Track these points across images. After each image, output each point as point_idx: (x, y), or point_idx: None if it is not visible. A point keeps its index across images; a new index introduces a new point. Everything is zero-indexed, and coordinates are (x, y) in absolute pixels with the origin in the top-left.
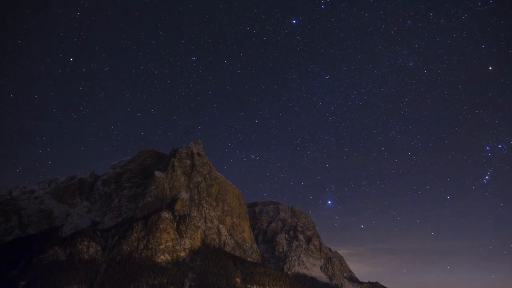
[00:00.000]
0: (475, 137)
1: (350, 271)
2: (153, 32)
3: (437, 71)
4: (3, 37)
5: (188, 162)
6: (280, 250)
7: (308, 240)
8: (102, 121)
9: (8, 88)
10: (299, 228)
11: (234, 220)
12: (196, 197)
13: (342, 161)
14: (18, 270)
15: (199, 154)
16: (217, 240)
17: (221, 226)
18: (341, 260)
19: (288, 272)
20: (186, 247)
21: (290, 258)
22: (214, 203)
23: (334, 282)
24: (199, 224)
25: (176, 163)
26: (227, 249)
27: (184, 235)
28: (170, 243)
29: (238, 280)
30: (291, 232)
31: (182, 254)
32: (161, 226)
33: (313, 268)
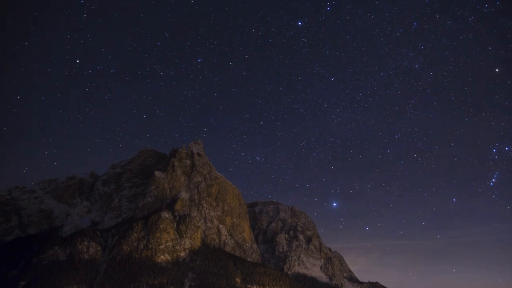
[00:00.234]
0: (481, 139)
1: (350, 271)
2: (159, 34)
3: (443, 73)
4: (11, 38)
5: (188, 162)
6: (280, 250)
7: (308, 240)
8: (107, 123)
9: (15, 89)
10: (299, 228)
11: (234, 220)
12: (196, 197)
13: (347, 163)
14: (18, 270)
15: (199, 154)
16: (217, 240)
17: (221, 226)
18: (341, 260)
19: (288, 272)
20: (186, 247)
21: (290, 258)
22: (214, 203)
23: (334, 282)
24: (199, 224)
25: (176, 163)
26: (227, 249)
27: (184, 235)
28: (170, 243)
29: (238, 280)
30: (291, 232)
31: (182, 254)
32: (161, 226)
33: (313, 268)
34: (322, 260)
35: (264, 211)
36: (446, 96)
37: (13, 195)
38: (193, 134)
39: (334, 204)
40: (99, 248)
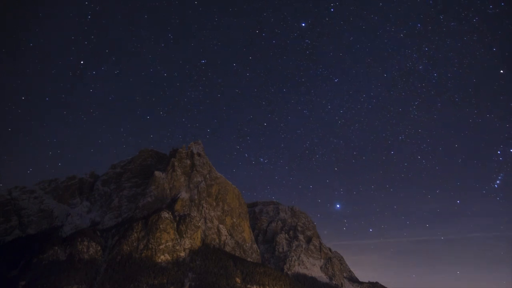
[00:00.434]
0: (486, 141)
1: (350, 271)
2: (162, 35)
3: (447, 74)
4: (16, 39)
5: (188, 162)
6: (280, 250)
7: (308, 240)
8: (111, 124)
9: (20, 90)
10: (299, 228)
11: (234, 220)
12: (196, 197)
13: (351, 165)
14: (18, 270)
15: (199, 154)
16: (217, 240)
17: (221, 226)
18: (341, 260)
19: (288, 272)
20: (186, 247)
21: (290, 258)
22: (214, 203)
23: (334, 282)
24: (199, 224)
25: (176, 163)
26: (227, 249)
27: (184, 235)
28: (170, 243)
29: (238, 280)
30: (291, 232)
31: (182, 254)
32: (161, 226)
33: (313, 268)
34: (322, 260)
35: (264, 211)
36: (450, 98)
37: (13, 195)
38: (196, 135)
39: (338, 206)
40: (99, 248)
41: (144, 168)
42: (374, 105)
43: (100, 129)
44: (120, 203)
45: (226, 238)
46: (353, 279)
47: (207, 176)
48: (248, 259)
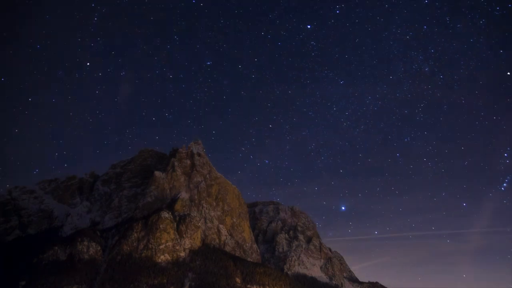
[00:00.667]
0: (492, 143)
1: (350, 271)
2: (168, 37)
3: (453, 76)
4: (22, 42)
5: (188, 162)
6: (280, 250)
7: (308, 240)
8: (117, 125)
9: (27, 92)
10: (299, 228)
11: (234, 220)
12: (196, 197)
13: (356, 167)
14: (18, 270)
15: (199, 154)
16: (217, 240)
17: (221, 226)
18: (341, 260)
19: (288, 272)
20: (186, 247)
21: (290, 258)
22: (214, 203)
23: (334, 282)
24: (199, 224)
25: (176, 163)
26: (227, 249)
27: (184, 235)
28: (170, 243)
29: (238, 280)
30: (291, 232)
31: (182, 254)
32: (161, 226)
33: (313, 268)
34: (322, 260)
35: (264, 211)
36: (456, 100)
37: (13, 195)
38: (202, 137)
39: (343, 208)
40: (99, 248)
41: (144, 168)
42: (379, 107)
43: (106, 131)
44: (120, 203)
45: (226, 238)
46: (353, 279)
47: (207, 176)
48: (248, 259)
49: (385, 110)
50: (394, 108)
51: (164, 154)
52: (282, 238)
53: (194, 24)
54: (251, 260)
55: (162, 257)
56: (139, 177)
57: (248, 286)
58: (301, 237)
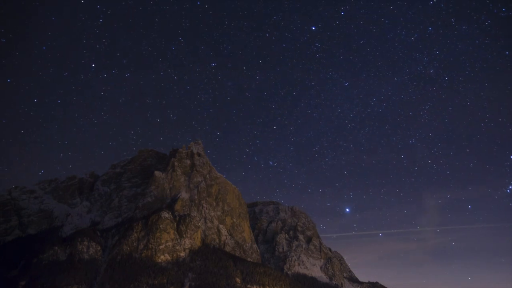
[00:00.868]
0: (498, 145)
1: (350, 271)
2: (173, 39)
3: (458, 78)
4: (28, 43)
5: (188, 162)
6: (280, 250)
7: (308, 240)
8: (122, 126)
9: (32, 93)
10: (299, 228)
11: (234, 220)
12: (196, 197)
13: (360, 169)
14: (18, 270)
15: (199, 154)
16: (217, 240)
17: (221, 226)
18: (341, 260)
19: (288, 272)
20: (186, 247)
21: (290, 258)
22: (214, 203)
23: (334, 282)
24: (199, 224)
25: (176, 163)
26: (227, 249)
27: (184, 235)
28: (170, 243)
29: (238, 280)
30: (291, 232)
31: (182, 254)
32: (161, 226)
33: (313, 268)
34: (322, 260)
35: (264, 211)
36: (461, 102)
37: (13, 195)
38: (206, 138)
39: (347, 210)
40: (99, 248)
41: (144, 168)
42: (384, 109)
43: (111, 132)
44: (120, 203)
45: (226, 238)
46: (353, 279)
47: (207, 176)
48: (248, 259)
49: (390, 112)
50: (399, 110)
51: (164, 154)
52: (282, 238)
53: (199, 25)
54: (251, 260)
55: (162, 257)
56: (139, 177)
57: (248, 286)
58: (301, 237)
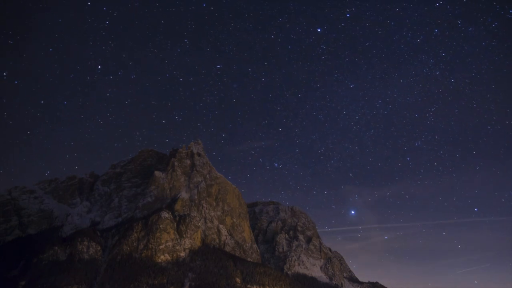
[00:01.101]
0: (504, 148)
1: (350, 271)
2: (179, 40)
3: (465, 80)
4: (35, 45)
5: (188, 162)
6: (280, 250)
7: (308, 240)
8: (127, 128)
9: (40, 95)
10: (299, 228)
11: (234, 220)
12: (196, 197)
13: (366, 171)
14: (18, 270)
15: (199, 154)
16: (217, 240)
17: (221, 226)
18: (341, 260)
19: (288, 272)
20: (186, 247)
21: (290, 258)
22: (214, 203)
23: (334, 282)
24: (199, 224)
25: (176, 163)
26: (227, 249)
27: (184, 235)
28: (170, 243)
29: (238, 280)
30: (291, 232)
31: (182, 254)
32: (161, 226)
33: (313, 268)
34: (322, 260)
35: (264, 211)
36: (467, 104)
37: (13, 195)
38: (212, 140)
39: (352, 212)
40: (99, 248)
41: (144, 168)
42: (390, 111)
43: (117, 133)
44: (120, 203)
45: (226, 238)
46: (353, 279)
47: (207, 176)
48: (248, 259)
49: (396, 114)
50: (405, 112)
51: (164, 154)
52: (282, 238)
53: (204, 27)
54: (251, 260)
55: (162, 257)
56: (139, 177)
57: (248, 286)
58: (301, 237)
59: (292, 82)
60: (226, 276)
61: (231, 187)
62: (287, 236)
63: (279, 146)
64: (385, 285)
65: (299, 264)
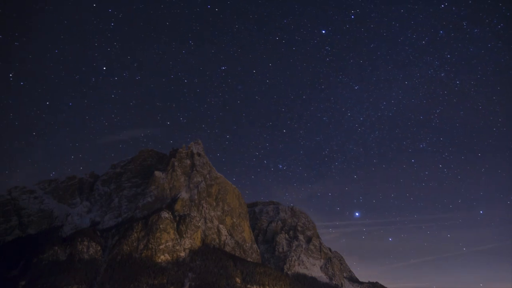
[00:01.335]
0: (510, 150)
1: (350, 271)
2: (183, 42)
3: (470, 82)
4: (41, 47)
5: (188, 162)
6: (280, 250)
7: (308, 240)
8: (132, 129)
9: (45, 96)
10: (299, 228)
11: (234, 220)
12: (196, 197)
13: (370, 173)
14: (18, 270)
15: (199, 154)
16: (217, 240)
17: (221, 226)
18: (341, 260)
19: (288, 272)
20: (186, 247)
21: (290, 258)
22: (214, 203)
23: (334, 282)
24: (199, 224)
25: (176, 163)
26: (227, 249)
27: (184, 235)
28: (170, 243)
29: (238, 280)
30: (291, 232)
31: (182, 254)
32: (161, 226)
33: (313, 268)
34: (322, 260)
35: (264, 211)
36: (473, 105)
37: (13, 195)
38: (216, 141)
39: (357, 214)
40: (99, 248)
41: (144, 168)
42: (394, 113)
43: (121, 135)
44: (120, 203)
45: (226, 238)
46: (353, 279)
47: (207, 176)
48: (248, 259)
49: (400, 116)
50: (410, 114)
51: (164, 154)
52: (282, 238)
53: (209, 29)
54: (251, 260)
55: (162, 257)
56: (139, 177)
57: (248, 286)
58: (301, 237)
59: (296, 84)
60: (226, 276)
61: (231, 187)
62: (287, 236)
63: (284, 148)
64: (386, 286)
65: (299, 264)
